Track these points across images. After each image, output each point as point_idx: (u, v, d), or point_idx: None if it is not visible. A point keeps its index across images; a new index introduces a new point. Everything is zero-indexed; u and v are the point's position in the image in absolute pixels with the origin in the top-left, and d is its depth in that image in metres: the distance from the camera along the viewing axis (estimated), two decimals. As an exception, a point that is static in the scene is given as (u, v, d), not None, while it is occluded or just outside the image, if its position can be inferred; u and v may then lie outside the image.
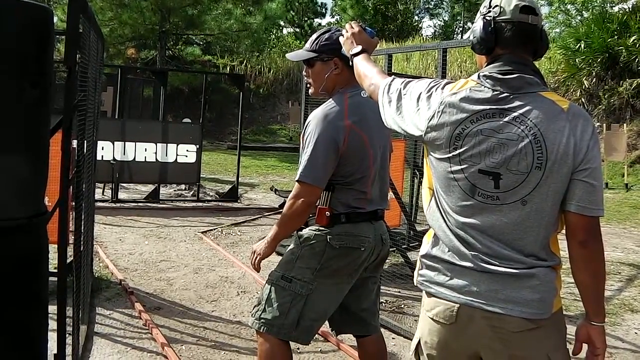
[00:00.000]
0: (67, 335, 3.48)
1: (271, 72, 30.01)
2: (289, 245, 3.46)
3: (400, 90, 2.56)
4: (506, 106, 2.30)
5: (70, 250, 3.65)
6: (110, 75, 15.86)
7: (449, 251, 2.38)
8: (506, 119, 2.29)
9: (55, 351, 3.29)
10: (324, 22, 50.62)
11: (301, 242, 3.36)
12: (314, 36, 3.51)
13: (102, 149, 10.54)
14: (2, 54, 2.55)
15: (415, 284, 2.53)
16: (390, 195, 6.79)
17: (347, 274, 3.39)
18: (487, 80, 2.35)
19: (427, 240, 2.50)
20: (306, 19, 48.14)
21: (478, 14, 2.49)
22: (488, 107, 2.31)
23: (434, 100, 2.41)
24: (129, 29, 22.97)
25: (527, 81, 2.32)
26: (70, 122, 3.31)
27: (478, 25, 2.44)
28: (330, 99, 3.42)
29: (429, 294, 2.46)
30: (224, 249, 8.25)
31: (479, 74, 2.41)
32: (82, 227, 4.41)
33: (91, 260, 6.02)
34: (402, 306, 6.22)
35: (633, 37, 20.03)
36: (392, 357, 4.98)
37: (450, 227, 2.40)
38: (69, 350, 3.98)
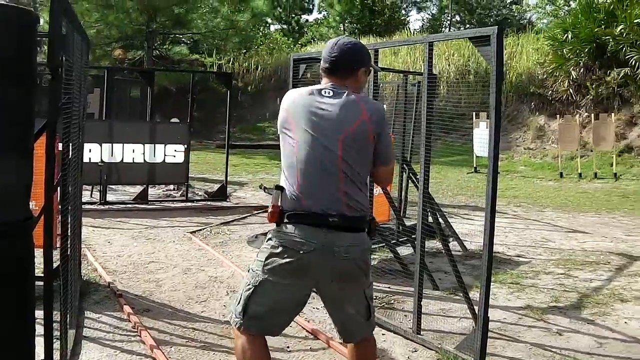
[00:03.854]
0: (54, 340, 3.48)
1: (259, 69, 29.93)
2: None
3: None
4: None
5: (57, 254, 3.64)
6: (97, 76, 15.79)
7: None
8: None
9: (42, 357, 3.28)
10: (311, 18, 50.59)
11: (266, 237, 3.50)
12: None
13: (90, 151, 10.50)
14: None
15: None
16: (379, 190, 6.83)
17: (290, 274, 3.40)
18: None
19: None
20: (293, 15, 48.10)
21: None
22: None
23: None
24: (116, 30, 22.94)
25: None
26: (54, 125, 3.30)
27: None
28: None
29: None
30: (213, 249, 8.25)
31: None
32: (69, 231, 4.39)
33: (79, 263, 6.01)
34: (392, 302, 6.23)
35: (620, 27, 20.10)
36: (382, 353, 4.99)
37: None
38: (57, 355, 3.98)
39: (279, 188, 3.42)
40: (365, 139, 3.45)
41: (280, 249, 3.40)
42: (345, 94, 3.48)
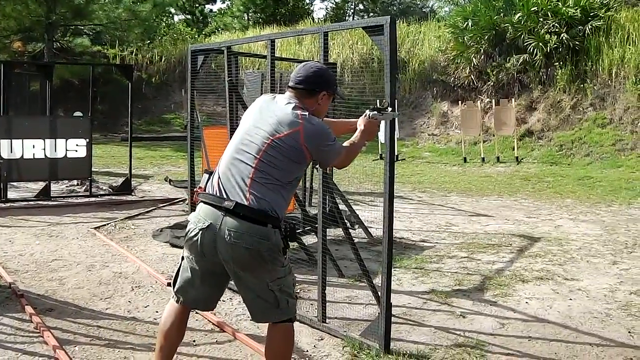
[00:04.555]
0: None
1: (163, 60, 29.44)
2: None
3: None
4: None
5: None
6: (-6, 71, 15.31)
7: None
8: None
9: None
10: (215, 8, 50.18)
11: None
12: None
13: (-12, 148, 10.25)
14: None
15: None
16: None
17: (193, 249, 3.71)
18: None
19: None
20: (197, 5, 47.61)
21: None
22: None
23: None
24: (14, 22, 22.30)
25: None
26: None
27: None
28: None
29: None
30: (117, 244, 8.12)
31: None
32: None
33: (-23, 264, 5.85)
34: (298, 291, 6.25)
35: (518, 15, 20.69)
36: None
37: None
38: (-47, 360, 3.89)
39: (208, 172, 3.76)
40: (294, 148, 3.66)
41: (190, 225, 3.71)
42: (293, 106, 3.74)
